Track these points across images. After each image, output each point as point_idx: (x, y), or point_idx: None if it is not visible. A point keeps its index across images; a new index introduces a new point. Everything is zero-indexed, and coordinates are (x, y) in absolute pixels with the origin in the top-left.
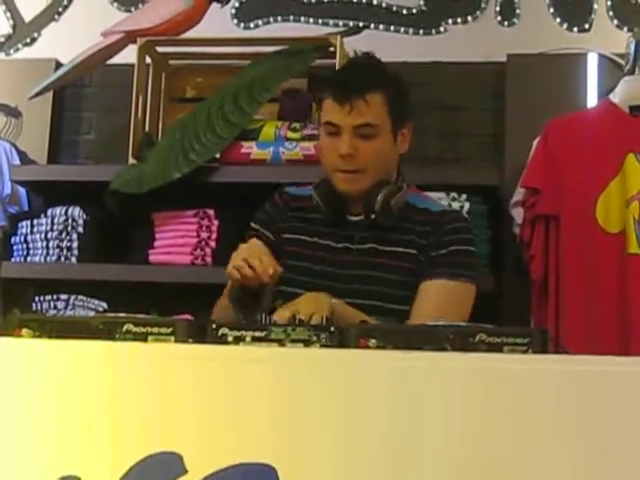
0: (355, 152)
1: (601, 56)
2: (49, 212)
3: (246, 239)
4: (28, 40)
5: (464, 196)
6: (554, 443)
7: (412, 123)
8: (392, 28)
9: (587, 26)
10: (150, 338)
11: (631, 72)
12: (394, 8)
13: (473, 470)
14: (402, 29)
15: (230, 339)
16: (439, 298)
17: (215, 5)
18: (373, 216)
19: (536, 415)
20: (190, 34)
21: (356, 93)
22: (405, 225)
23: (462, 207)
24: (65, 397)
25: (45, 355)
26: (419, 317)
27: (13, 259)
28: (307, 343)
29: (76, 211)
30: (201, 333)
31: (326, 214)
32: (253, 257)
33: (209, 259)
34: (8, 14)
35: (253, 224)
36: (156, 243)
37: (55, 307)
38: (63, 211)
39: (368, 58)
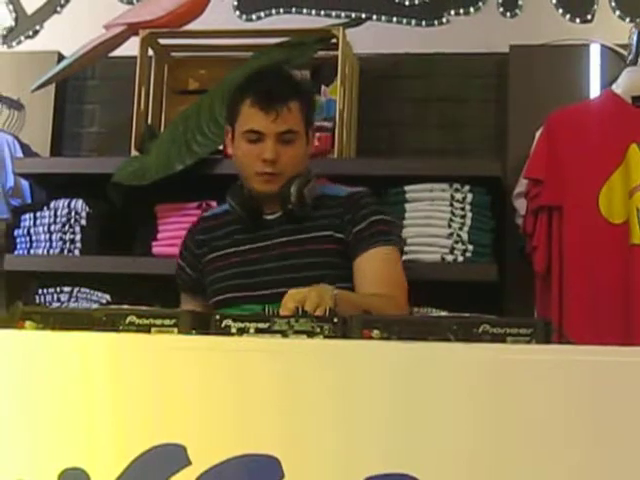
0: (277, 158)
1: (604, 47)
2: (52, 205)
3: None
4: (30, 33)
5: (467, 187)
6: (558, 433)
7: (314, 126)
8: (394, 19)
9: (589, 17)
10: (153, 330)
11: (634, 63)
12: None
13: (478, 460)
14: (404, 20)
15: (233, 330)
16: (375, 268)
17: None
18: (290, 206)
19: (540, 405)
20: (192, 26)
21: (280, 101)
22: (318, 213)
23: (465, 198)
24: (68, 389)
25: (48, 347)
26: (365, 290)
27: (16, 252)
28: (310, 334)
29: (79, 204)
30: (204, 324)
31: (243, 217)
32: None
33: None
34: (10, 7)
35: (178, 260)
36: (159, 235)
37: (58, 299)
38: (66, 204)
39: (280, 68)
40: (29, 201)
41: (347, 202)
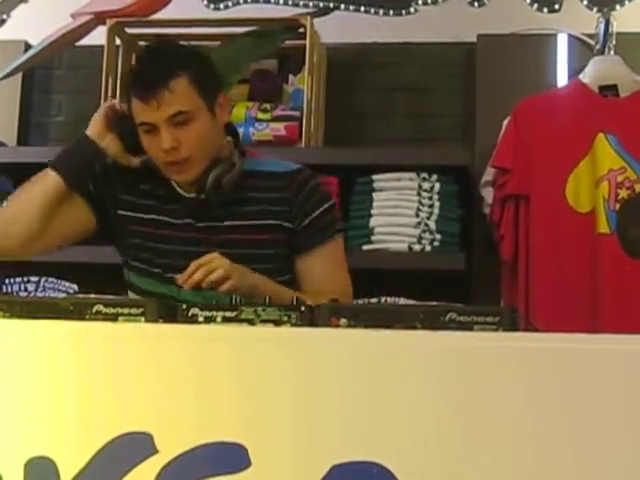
0: (177, 144)
1: (571, 36)
2: None
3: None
4: None
5: (435, 176)
6: (525, 420)
7: (224, 91)
8: (362, 9)
9: (557, 6)
10: (120, 319)
11: (601, 52)
12: None
13: (445, 447)
14: (372, 10)
15: (201, 319)
16: (325, 269)
17: None
18: (203, 196)
19: (506, 392)
20: (160, 15)
21: (157, 86)
22: (252, 195)
23: (433, 187)
24: (35, 377)
25: (14, 335)
26: (316, 290)
27: None
28: (277, 323)
29: None
30: (171, 313)
31: (162, 190)
32: None
33: None
34: None
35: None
36: None
37: (25, 289)
38: None
39: (161, 44)
40: None
41: (293, 185)
